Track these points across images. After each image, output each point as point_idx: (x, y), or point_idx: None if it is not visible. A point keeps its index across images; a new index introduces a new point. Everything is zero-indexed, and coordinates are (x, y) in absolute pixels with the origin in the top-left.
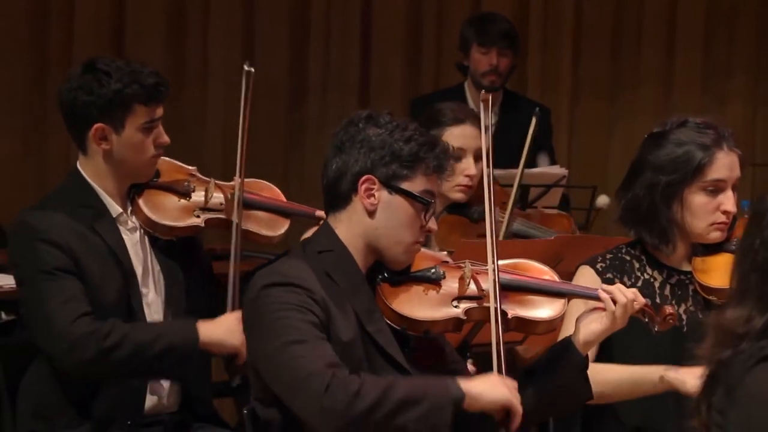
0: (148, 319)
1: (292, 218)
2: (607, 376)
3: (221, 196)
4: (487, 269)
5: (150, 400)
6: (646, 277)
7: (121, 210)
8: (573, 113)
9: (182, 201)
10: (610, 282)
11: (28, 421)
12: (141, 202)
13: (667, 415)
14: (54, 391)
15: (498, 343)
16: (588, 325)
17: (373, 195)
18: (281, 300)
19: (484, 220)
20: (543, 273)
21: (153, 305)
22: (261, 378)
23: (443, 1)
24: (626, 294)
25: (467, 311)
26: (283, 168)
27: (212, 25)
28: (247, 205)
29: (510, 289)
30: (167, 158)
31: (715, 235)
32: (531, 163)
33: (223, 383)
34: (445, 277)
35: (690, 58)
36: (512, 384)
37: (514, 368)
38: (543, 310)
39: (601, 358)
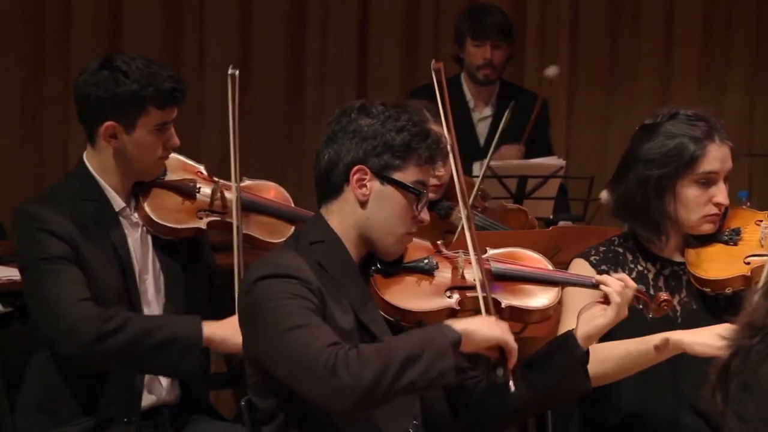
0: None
1: (296, 223)
2: (606, 353)
3: (226, 198)
4: (479, 258)
5: (147, 399)
6: (640, 268)
7: (124, 205)
8: (570, 104)
9: (186, 202)
10: (605, 274)
11: (28, 413)
12: (144, 201)
13: (664, 401)
14: (56, 385)
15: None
16: (590, 320)
17: (365, 185)
18: (276, 290)
19: (450, 216)
20: (537, 262)
21: (152, 303)
22: (258, 370)
23: None
24: (617, 283)
25: (461, 301)
26: (281, 160)
27: (210, 18)
28: (252, 208)
29: (503, 279)
30: (175, 155)
31: (707, 227)
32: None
33: (221, 375)
34: (438, 268)
35: (688, 49)
36: (504, 324)
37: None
38: (537, 298)
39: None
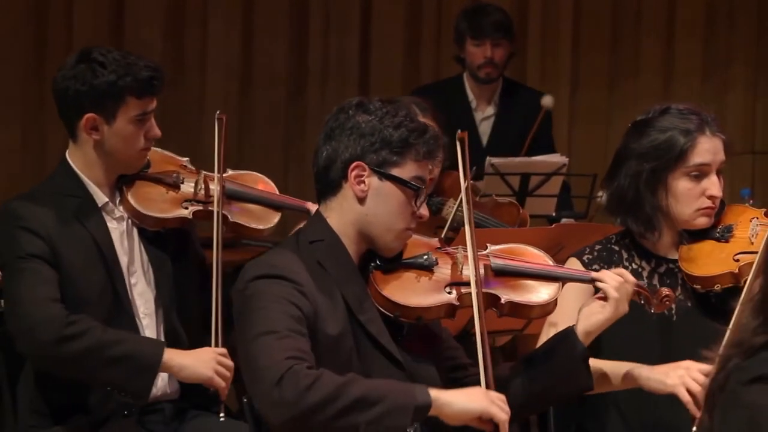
0: (139, 309)
1: (282, 211)
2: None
3: (210, 188)
4: (480, 254)
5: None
6: (635, 267)
7: (107, 199)
8: (573, 102)
9: (170, 193)
10: None
11: (25, 417)
12: (128, 193)
13: (667, 406)
14: (47, 385)
15: (482, 333)
16: (589, 316)
17: (363, 182)
18: (266, 292)
19: (441, 211)
20: (537, 257)
21: (144, 295)
22: None
23: None
24: (615, 278)
25: (460, 297)
26: (283, 157)
27: (212, 15)
28: (238, 197)
29: (503, 274)
30: (159, 149)
31: (702, 221)
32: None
33: None
34: (437, 264)
35: (690, 46)
36: (498, 396)
37: (514, 356)
38: (536, 294)
39: (591, 345)
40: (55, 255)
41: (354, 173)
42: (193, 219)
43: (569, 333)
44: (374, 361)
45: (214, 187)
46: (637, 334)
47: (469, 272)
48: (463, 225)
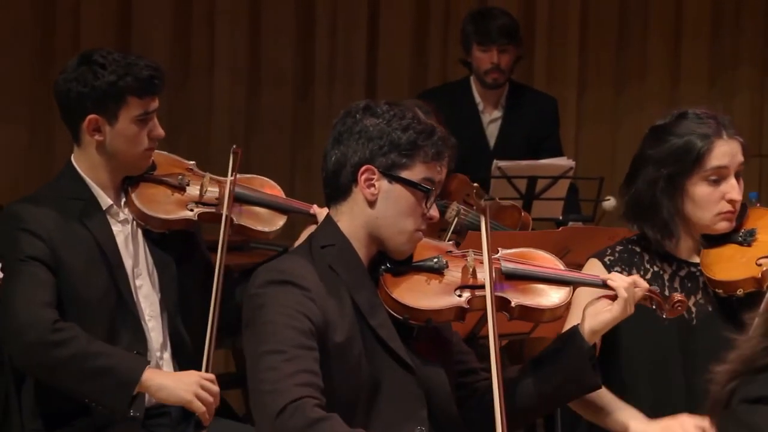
0: (144, 312)
1: (288, 214)
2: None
3: (216, 190)
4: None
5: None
6: (656, 269)
7: (111, 202)
8: (580, 104)
9: (176, 194)
10: None
11: (29, 421)
12: (133, 194)
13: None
14: (52, 389)
15: (494, 336)
16: (595, 315)
17: (373, 185)
18: (275, 301)
19: (444, 214)
20: (548, 261)
21: (149, 298)
22: None
23: None
24: (626, 280)
25: (470, 300)
26: (290, 160)
27: (219, 16)
28: (244, 200)
29: (514, 278)
30: (164, 152)
31: (723, 225)
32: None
33: (230, 375)
34: (447, 267)
35: (697, 49)
36: None
37: (520, 359)
38: (547, 298)
39: (609, 350)
40: (56, 258)
41: (364, 177)
42: (199, 221)
43: (574, 332)
44: (384, 366)
45: (218, 189)
46: (657, 338)
47: (479, 276)
48: (468, 229)
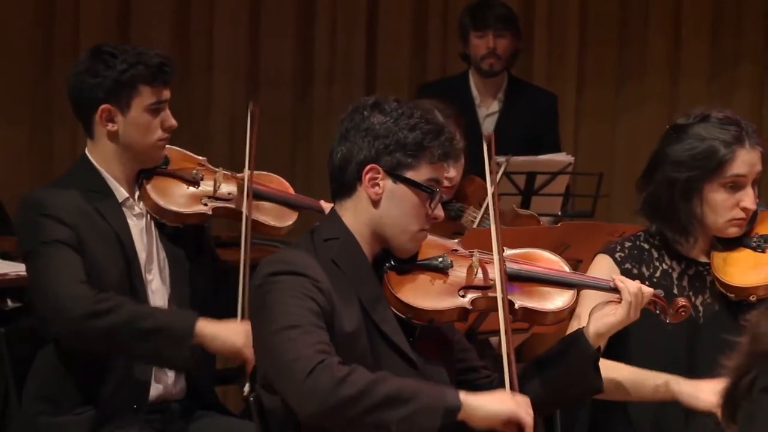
0: (152, 305)
1: (299, 210)
2: (610, 374)
3: (229, 186)
4: (494, 258)
5: (155, 389)
6: (665, 267)
7: (127, 195)
8: (579, 101)
9: (191, 189)
10: (629, 272)
11: (33, 402)
12: (149, 187)
13: (677, 423)
14: (61, 375)
15: (508, 342)
16: (601, 318)
17: (378, 184)
18: (284, 287)
19: (460, 218)
20: (553, 263)
21: (158, 292)
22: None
23: None
24: (633, 284)
25: (473, 301)
26: (290, 157)
27: (219, 15)
28: (256, 195)
29: (518, 279)
30: (177, 147)
31: (733, 231)
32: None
33: (229, 371)
34: (452, 266)
35: (697, 46)
36: (524, 399)
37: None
38: (551, 301)
39: (617, 349)
40: (80, 243)
41: (368, 176)
42: (213, 216)
43: (579, 335)
44: (388, 361)
45: (233, 185)
46: (664, 336)
47: (483, 276)
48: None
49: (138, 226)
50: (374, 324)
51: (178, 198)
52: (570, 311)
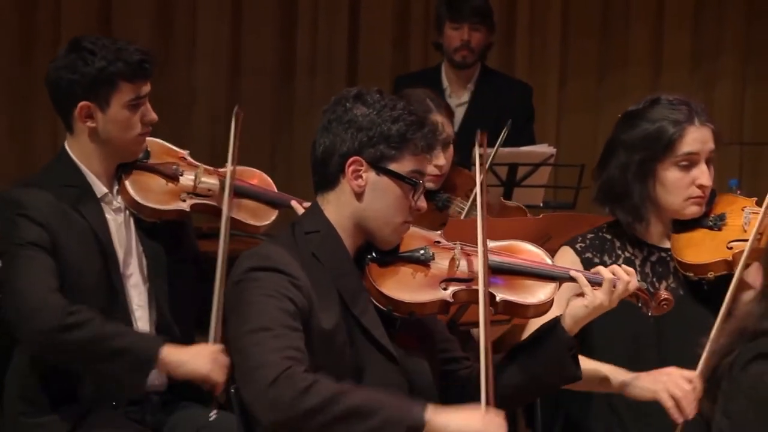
0: (133, 300)
1: (279, 209)
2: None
3: (210, 182)
4: (477, 250)
5: None
6: (627, 255)
7: (106, 190)
8: (561, 93)
9: (169, 184)
10: (590, 261)
11: (14, 403)
12: (127, 182)
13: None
14: (38, 374)
15: (487, 355)
16: (579, 307)
17: (361, 177)
18: (261, 284)
19: (448, 208)
20: (535, 256)
21: (138, 287)
22: None
23: None
24: (616, 270)
25: (455, 294)
26: (271, 149)
27: (200, 6)
28: (237, 193)
29: (500, 272)
30: (160, 140)
31: (692, 210)
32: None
33: None
34: (434, 258)
35: (679, 37)
36: (493, 418)
37: (498, 349)
38: (533, 293)
39: (584, 330)
40: (54, 243)
41: (351, 168)
42: (192, 212)
43: (556, 324)
44: (367, 355)
45: (213, 181)
46: (629, 320)
47: (465, 269)
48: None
49: (116, 221)
50: (354, 318)
51: (157, 194)
52: (551, 304)
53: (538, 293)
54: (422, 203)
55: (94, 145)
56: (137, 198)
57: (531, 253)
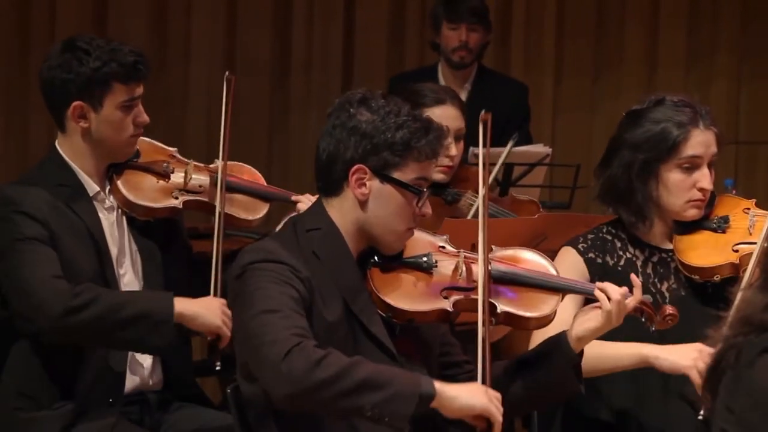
0: None
1: (271, 202)
2: (588, 351)
3: (201, 178)
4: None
5: (131, 381)
6: (629, 255)
7: (98, 189)
8: (557, 92)
9: (161, 182)
10: (593, 262)
11: (10, 399)
12: (119, 182)
13: (651, 398)
14: (36, 370)
15: (484, 348)
16: (583, 323)
17: (364, 184)
18: (264, 273)
19: (457, 202)
20: (539, 266)
21: (131, 286)
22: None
23: None
24: (617, 291)
25: (455, 303)
26: (267, 147)
27: (195, 5)
28: (228, 188)
29: (502, 282)
30: (148, 139)
31: (692, 213)
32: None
33: (206, 362)
34: (437, 266)
35: (674, 36)
36: (496, 395)
37: (497, 352)
38: (535, 306)
39: None
40: (53, 239)
41: (355, 177)
42: (184, 209)
43: (561, 339)
44: (367, 352)
45: (204, 177)
46: (630, 321)
47: (468, 278)
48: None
49: (109, 220)
50: (354, 315)
51: (149, 192)
52: (554, 317)
53: (540, 306)
54: (427, 209)
55: (86, 145)
56: (130, 197)
57: (534, 263)
